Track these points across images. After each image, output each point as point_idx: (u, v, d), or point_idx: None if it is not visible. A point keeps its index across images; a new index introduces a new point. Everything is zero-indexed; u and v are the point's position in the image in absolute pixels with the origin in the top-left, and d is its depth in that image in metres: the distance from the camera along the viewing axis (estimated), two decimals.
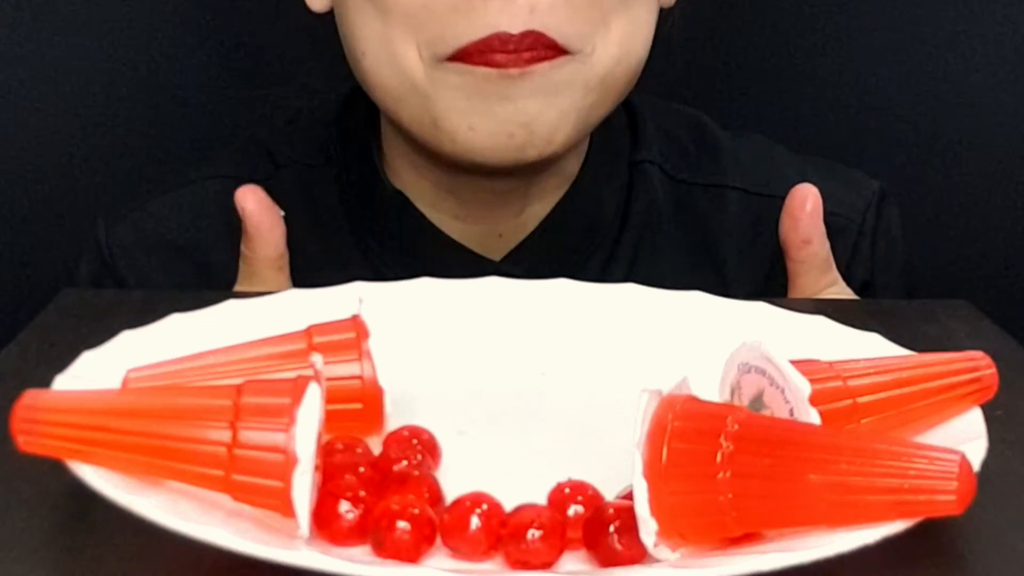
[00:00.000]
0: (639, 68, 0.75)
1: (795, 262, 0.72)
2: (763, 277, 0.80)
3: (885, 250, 0.84)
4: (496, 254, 0.79)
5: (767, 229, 0.82)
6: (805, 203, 0.71)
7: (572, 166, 0.80)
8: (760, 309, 0.58)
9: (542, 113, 0.70)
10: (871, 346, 0.53)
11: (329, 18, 0.77)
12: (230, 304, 0.56)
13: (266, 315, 0.55)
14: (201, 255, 0.81)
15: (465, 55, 0.69)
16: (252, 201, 0.70)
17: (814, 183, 0.81)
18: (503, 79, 0.69)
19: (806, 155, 0.88)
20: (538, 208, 0.80)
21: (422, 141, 0.74)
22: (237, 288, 0.72)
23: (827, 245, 0.71)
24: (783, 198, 0.76)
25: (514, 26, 0.68)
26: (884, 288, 0.83)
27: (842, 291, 0.73)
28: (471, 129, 0.71)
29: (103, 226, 0.83)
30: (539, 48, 0.69)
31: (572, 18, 0.69)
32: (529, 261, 0.78)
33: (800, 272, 0.72)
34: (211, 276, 0.79)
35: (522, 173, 0.75)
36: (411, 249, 0.79)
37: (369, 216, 0.81)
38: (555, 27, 0.69)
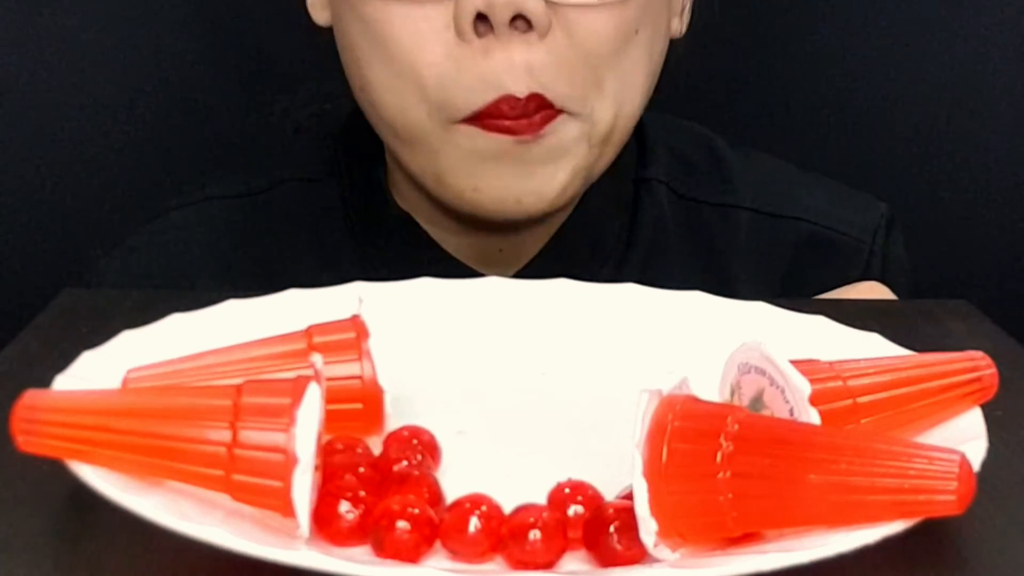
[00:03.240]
0: (638, 117, 0.75)
1: None
2: (774, 297, 0.80)
3: (895, 271, 0.84)
4: (499, 271, 0.79)
5: (778, 250, 0.82)
6: None
7: None
8: (760, 309, 0.58)
9: (550, 176, 0.71)
10: (871, 346, 0.53)
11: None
12: (230, 304, 0.56)
13: (266, 315, 0.55)
14: (189, 287, 0.80)
15: (476, 119, 0.69)
16: None
17: (823, 204, 0.81)
18: (517, 145, 0.69)
19: (814, 173, 0.87)
20: (539, 226, 0.79)
21: (424, 187, 0.74)
22: None
23: None
24: (794, 219, 0.76)
25: (519, 89, 0.68)
26: None
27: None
28: (475, 191, 0.71)
29: (101, 259, 0.83)
30: (543, 110, 0.69)
31: (567, 78, 0.69)
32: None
33: None
34: None
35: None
36: (415, 269, 0.79)
37: (373, 234, 0.80)
38: (552, 88, 0.69)
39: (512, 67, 0.68)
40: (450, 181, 0.71)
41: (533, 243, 0.79)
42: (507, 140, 0.69)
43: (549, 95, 0.69)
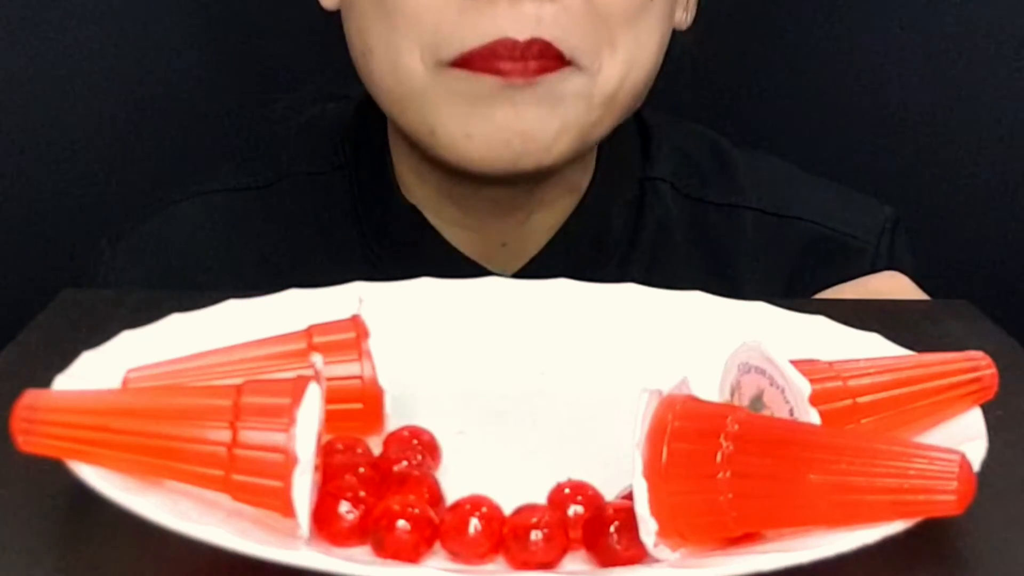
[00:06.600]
0: (645, 87, 0.75)
1: None
2: (778, 298, 0.80)
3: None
4: (503, 267, 0.79)
5: (783, 250, 0.82)
6: None
7: (578, 179, 0.79)
8: (760, 309, 0.58)
9: (542, 122, 0.70)
10: (871, 346, 0.53)
11: (339, 19, 0.77)
12: (230, 304, 0.56)
13: (266, 315, 0.55)
14: (197, 278, 0.80)
15: (468, 61, 0.68)
16: None
17: (829, 205, 0.81)
18: (507, 88, 0.69)
19: (819, 176, 0.87)
20: (542, 218, 0.79)
21: (422, 147, 0.74)
22: None
23: None
24: (799, 219, 0.76)
25: (521, 33, 0.67)
26: None
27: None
28: (468, 137, 0.70)
29: (107, 250, 0.83)
30: (545, 58, 0.68)
31: (578, 32, 0.69)
32: (539, 277, 0.78)
33: None
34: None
35: (521, 182, 0.75)
36: (421, 262, 0.79)
37: (379, 226, 0.80)
38: (561, 39, 0.68)
39: (518, 16, 0.67)
40: (443, 130, 0.71)
41: (537, 238, 0.79)
42: (496, 82, 0.68)
43: (557, 44, 0.68)
